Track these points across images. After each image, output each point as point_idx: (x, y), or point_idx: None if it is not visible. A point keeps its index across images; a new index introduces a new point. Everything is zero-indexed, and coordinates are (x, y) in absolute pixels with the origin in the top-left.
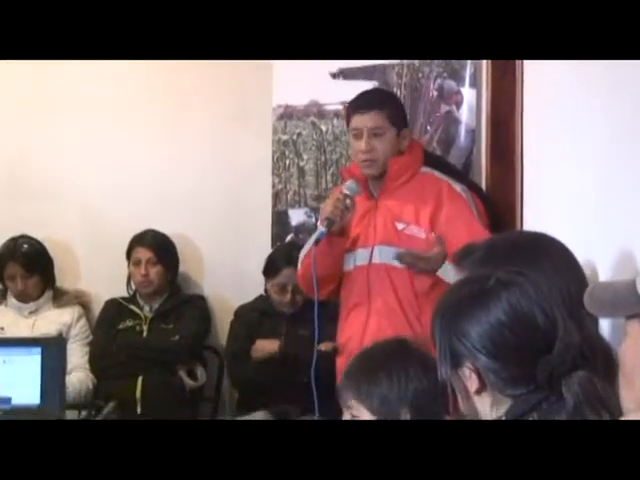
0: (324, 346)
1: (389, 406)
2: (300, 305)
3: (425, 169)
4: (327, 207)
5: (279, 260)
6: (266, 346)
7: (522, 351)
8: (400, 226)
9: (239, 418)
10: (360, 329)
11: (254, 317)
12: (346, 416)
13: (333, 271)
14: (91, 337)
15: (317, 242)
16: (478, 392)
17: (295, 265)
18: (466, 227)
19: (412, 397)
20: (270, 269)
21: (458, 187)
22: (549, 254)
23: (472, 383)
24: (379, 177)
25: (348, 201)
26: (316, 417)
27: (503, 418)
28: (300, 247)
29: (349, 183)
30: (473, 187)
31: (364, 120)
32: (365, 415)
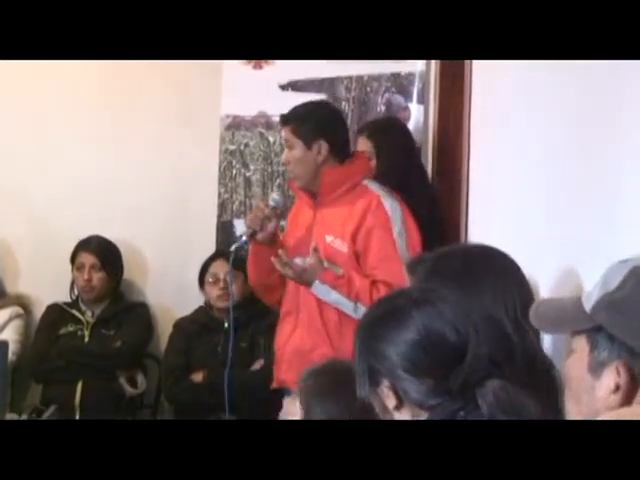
0: (257, 364)
1: None
2: (236, 301)
3: (366, 181)
4: (248, 216)
5: (212, 256)
6: (193, 377)
7: (436, 365)
8: (329, 239)
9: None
10: (285, 338)
11: (193, 329)
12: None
13: (270, 279)
14: (21, 337)
15: (236, 250)
16: (397, 408)
17: (227, 259)
18: (379, 245)
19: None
20: (203, 268)
21: (387, 202)
22: (497, 267)
23: (390, 400)
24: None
25: (268, 211)
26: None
27: None
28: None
29: (273, 195)
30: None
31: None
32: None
